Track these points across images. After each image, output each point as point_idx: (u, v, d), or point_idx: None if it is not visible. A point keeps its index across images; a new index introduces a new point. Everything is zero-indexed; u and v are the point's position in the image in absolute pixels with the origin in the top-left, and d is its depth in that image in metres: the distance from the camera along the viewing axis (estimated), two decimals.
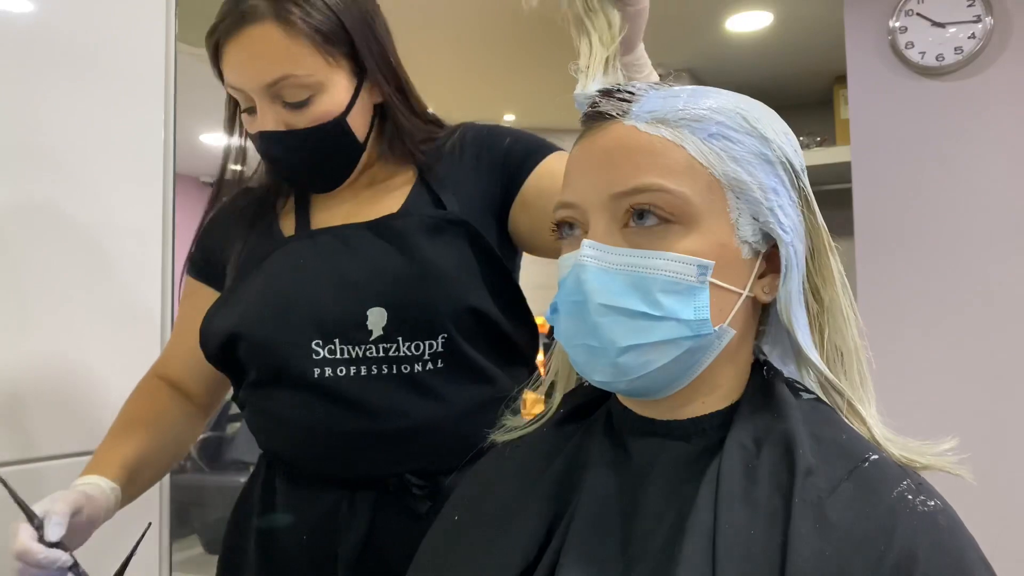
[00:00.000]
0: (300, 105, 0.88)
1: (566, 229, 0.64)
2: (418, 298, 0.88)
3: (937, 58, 2.02)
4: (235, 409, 4.56)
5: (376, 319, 0.88)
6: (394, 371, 0.89)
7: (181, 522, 3.99)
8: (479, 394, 0.91)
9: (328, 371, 0.89)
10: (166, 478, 1.18)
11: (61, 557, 0.76)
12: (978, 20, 1.98)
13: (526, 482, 0.66)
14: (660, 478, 0.60)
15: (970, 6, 1.99)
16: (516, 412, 0.78)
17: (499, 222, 0.96)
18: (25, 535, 0.76)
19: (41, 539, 0.76)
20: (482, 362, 0.92)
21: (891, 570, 0.51)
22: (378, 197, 0.96)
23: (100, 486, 0.88)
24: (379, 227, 0.92)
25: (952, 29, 2.01)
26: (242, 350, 0.93)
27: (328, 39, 0.87)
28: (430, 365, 0.89)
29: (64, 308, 1.06)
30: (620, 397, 0.66)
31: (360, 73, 0.92)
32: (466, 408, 0.90)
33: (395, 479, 0.90)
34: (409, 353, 0.89)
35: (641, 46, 0.82)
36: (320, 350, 0.89)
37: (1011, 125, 1.96)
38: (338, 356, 0.89)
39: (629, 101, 0.61)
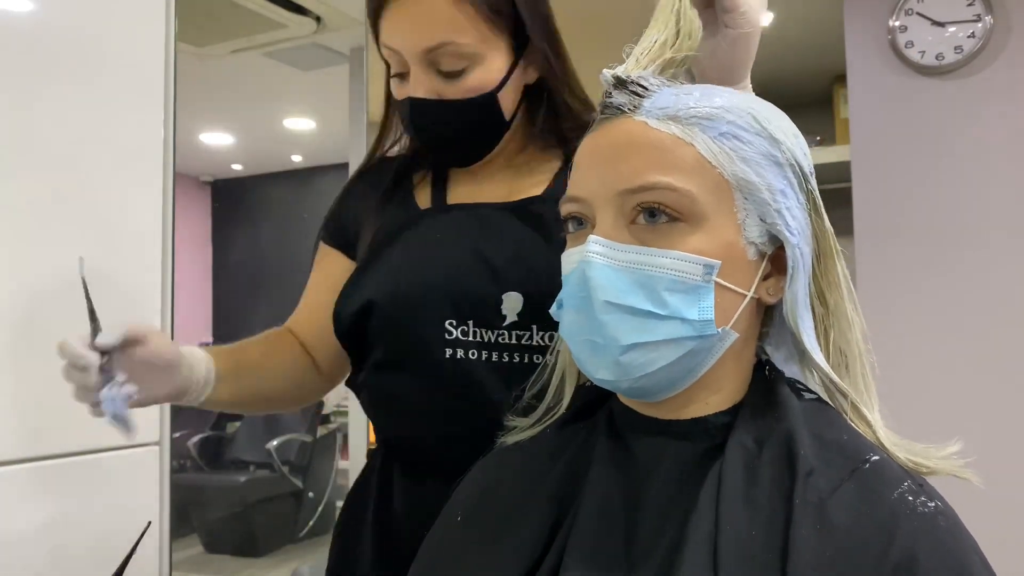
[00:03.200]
0: (455, 75, 0.85)
1: (573, 224, 0.64)
2: (555, 287, 0.86)
3: (937, 57, 2.02)
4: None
5: (512, 304, 0.86)
6: (525, 360, 0.86)
7: (181, 521, 3.99)
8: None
9: (460, 353, 0.86)
10: (166, 477, 1.17)
11: (91, 357, 0.77)
12: (978, 19, 1.98)
13: (529, 482, 0.66)
14: (663, 478, 0.60)
15: (970, 5, 1.99)
16: (525, 412, 0.77)
17: None
18: (75, 335, 0.77)
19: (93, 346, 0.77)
20: None
21: (892, 571, 0.51)
22: (521, 178, 0.94)
23: (196, 353, 0.87)
24: (520, 210, 0.90)
25: (952, 28, 2.00)
26: (374, 323, 0.90)
27: (495, 10, 0.84)
28: None
29: (63, 307, 1.06)
30: (623, 397, 0.66)
31: (519, 49, 0.89)
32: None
33: None
34: (542, 343, 0.86)
35: (747, 81, 0.75)
36: (453, 330, 0.86)
37: (1011, 124, 1.96)
38: (470, 339, 0.86)
39: (642, 96, 0.61)
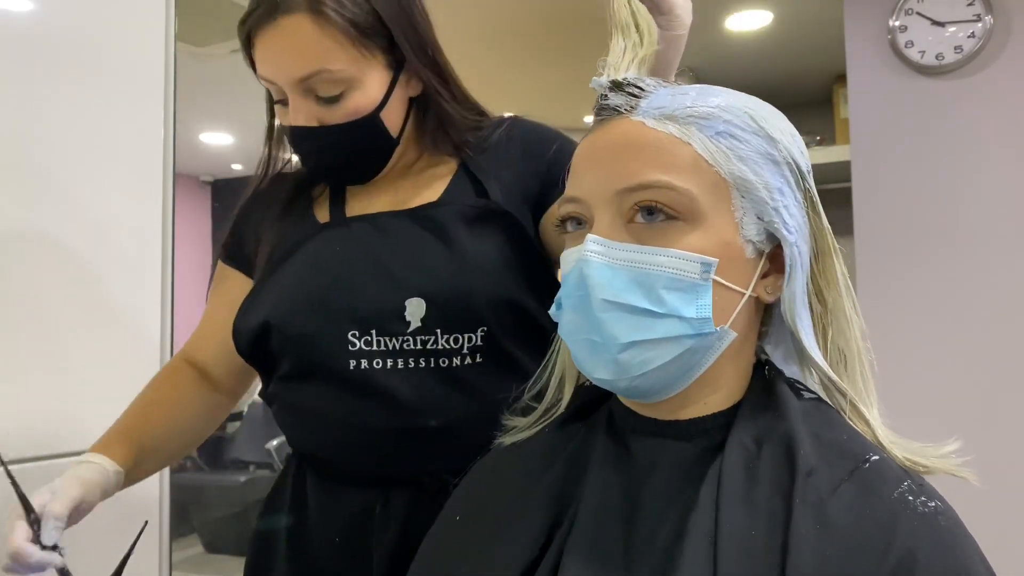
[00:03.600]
0: (333, 100, 0.85)
1: (572, 224, 0.64)
2: (457, 289, 0.86)
3: (937, 57, 2.02)
4: (235, 408, 4.58)
5: (415, 310, 0.86)
6: (432, 364, 0.86)
7: (181, 521, 3.99)
8: (518, 390, 0.90)
9: (364, 363, 0.86)
10: (166, 477, 1.17)
11: (55, 560, 0.76)
12: (978, 19, 1.98)
13: (528, 482, 0.66)
14: (662, 478, 0.60)
15: (970, 5, 1.99)
16: (524, 412, 0.77)
17: (534, 220, 0.94)
18: (21, 535, 0.76)
19: (36, 539, 0.77)
20: (521, 357, 0.89)
21: (892, 571, 0.51)
22: (417, 186, 0.94)
23: (104, 468, 0.86)
24: (417, 216, 0.89)
25: (952, 28, 2.00)
26: (275, 341, 0.90)
27: (364, 32, 0.84)
28: (468, 359, 0.87)
29: (63, 307, 1.06)
30: (622, 398, 0.66)
31: (396, 66, 0.89)
32: (505, 405, 0.89)
33: (431, 477, 0.87)
34: (447, 346, 0.86)
35: (672, 79, 0.79)
36: (356, 341, 0.86)
37: (1011, 124, 1.96)
38: (375, 348, 0.86)
39: (638, 97, 0.61)
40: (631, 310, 0.57)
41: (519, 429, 0.74)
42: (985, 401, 1.93)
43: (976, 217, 1.98)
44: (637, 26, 0.65)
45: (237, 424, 4.45)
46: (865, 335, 0.65)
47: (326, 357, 0.87)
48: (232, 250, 1.01)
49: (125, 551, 0.82)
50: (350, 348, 0.86)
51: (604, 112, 0.62)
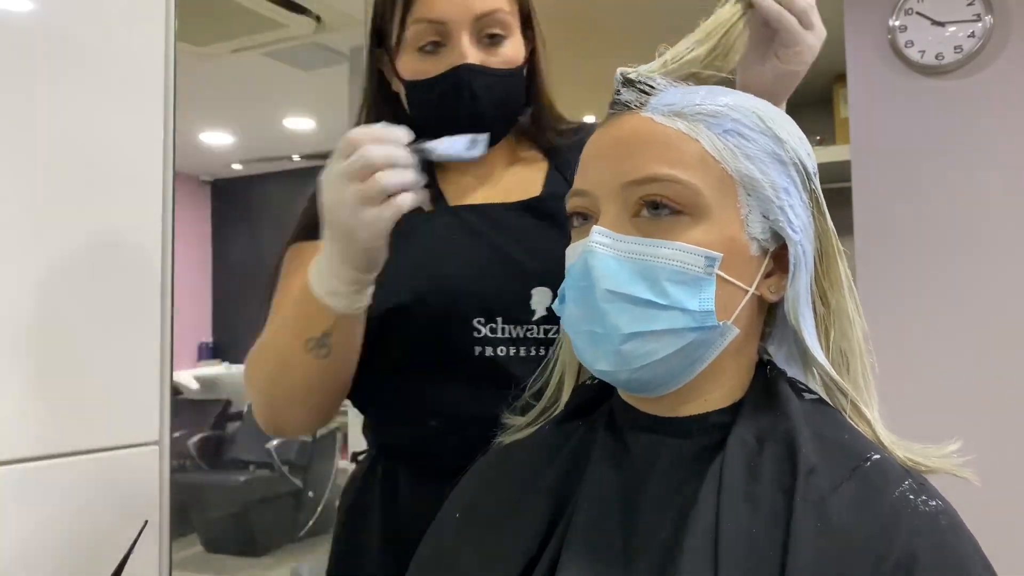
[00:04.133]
0: (496, 44, 0.88)
1: (578, 219, 0.64)
2: None
3: (937, 57, 2.01)
4: (235, 408, 4.58)
5: (540, 299, 0.86)
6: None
7: (181, 521, 3.99)
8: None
9: (489, 350, 0.86)
10: (166, 477, 1.17)
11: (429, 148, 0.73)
12: (978, 19, 1.98)
13: (528, 479, 0.66)
14: (661, 475, 0.60)
15: (970, 5, 1.99)
16: (523, 411, 0.77)
17: None
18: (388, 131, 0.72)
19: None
20: None
21: (892, 570, 0.51)
22: (516, 182, 0.95)
23: None
24: (530, 208, 0.90)
25: (952, 28, 2.00)
26: (400, 324, 0.88)
27: None
28: None
29: (63, 307, 1.06)
30: (622, 393, 0.67)
31: (528, 44, 0.92)
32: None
33: None
34: None
35: (782, 108, 0.78)
36: (482, 328, 0.86)
37: (1011, 124, 1.96)
38: (500, 335, 0.86)
39: (649, 93, 0.62)
40: (634, 301, 0.58)
41: (518, 428, 0.75)
42: (985, 401, 1.93)
43: (976, 217, 1.98)
44: (719, 40, 0.66)
45: (237, 424, 4.46)
46: (867, 336, 0.65)
47: (451, 343, 0.87)
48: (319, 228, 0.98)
49: (125, 551, 0.82)
50: (475, 335, 0.86)
51: (615, 107, 0.63)
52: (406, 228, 0.89)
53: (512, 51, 0.89)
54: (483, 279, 0.87)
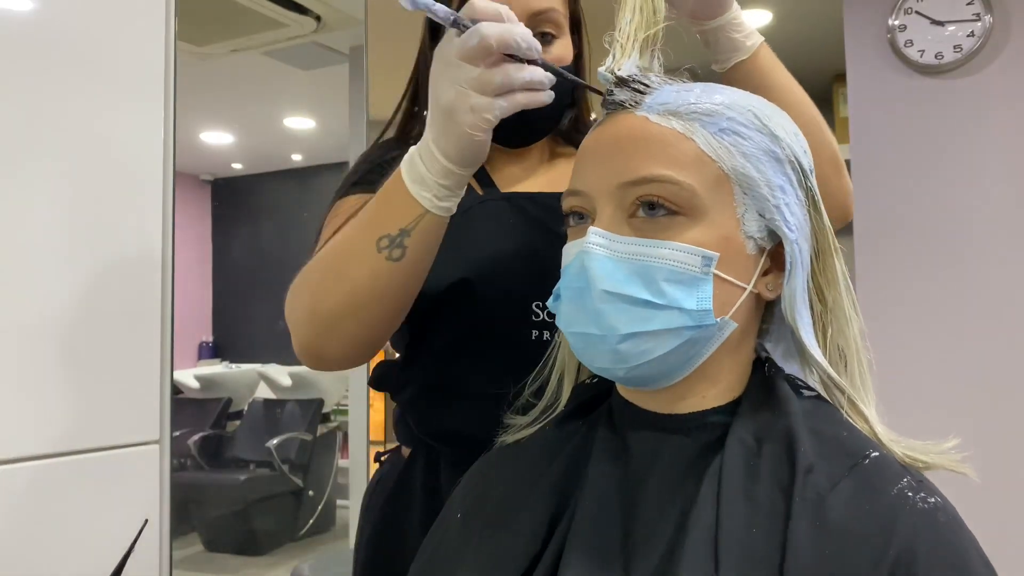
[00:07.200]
0: (548, 42, 0.89)
1: (574, 219, 0.64)
2: None
3: (936, 56, 2.02)
4: (234, 407, 4.58)
5: None
6: None
7: (181, 520, 3.99)
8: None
9: (546, 334, 0.87)
10: (166, 476, 1.18)
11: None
12: (977, 18, 1.98)
13: (528, 478, 0.66)
14: (661, 473, 0.61)
15: (969, 4, 1.99)
16: (524, 410, 0.78)
17: None
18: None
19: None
20: None
21: (891, 567, 0.51)
22: (556, 173, 0.97)
23: None
24: None
25: (951, 27, 2.00)
26: (458, 304, 0.87)
27: None
28: None
29: (63, 307, 1.06)
30: (621, 391, 0.67)
31: (575, 48, 0.93)
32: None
33: None
34: None
35: (736, 5, 0.81)
36: (540, 312, 0.87)
37: (1010, 124, 1.96)
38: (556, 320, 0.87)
39: (643, 92, 0.62)
40: (631, 301, 0.58)
41: (518, 427, 0.75)
42: (983, 398, 1.93)
43: (975, 216, 1.98)
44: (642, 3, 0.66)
45: (237, 423, 4.46)
46: (864, 334, 0.65)
47: (510, 324, 0.87)
48: (373, 177, 0.92)
49: (125, 549, 0.82)
50: (533, 318, 0.87)
51: (609, 107, 0.63)
52: (462, 209, 0.88)
53: (562, 51, 0.90)
54: (543, 263, 0.84)
